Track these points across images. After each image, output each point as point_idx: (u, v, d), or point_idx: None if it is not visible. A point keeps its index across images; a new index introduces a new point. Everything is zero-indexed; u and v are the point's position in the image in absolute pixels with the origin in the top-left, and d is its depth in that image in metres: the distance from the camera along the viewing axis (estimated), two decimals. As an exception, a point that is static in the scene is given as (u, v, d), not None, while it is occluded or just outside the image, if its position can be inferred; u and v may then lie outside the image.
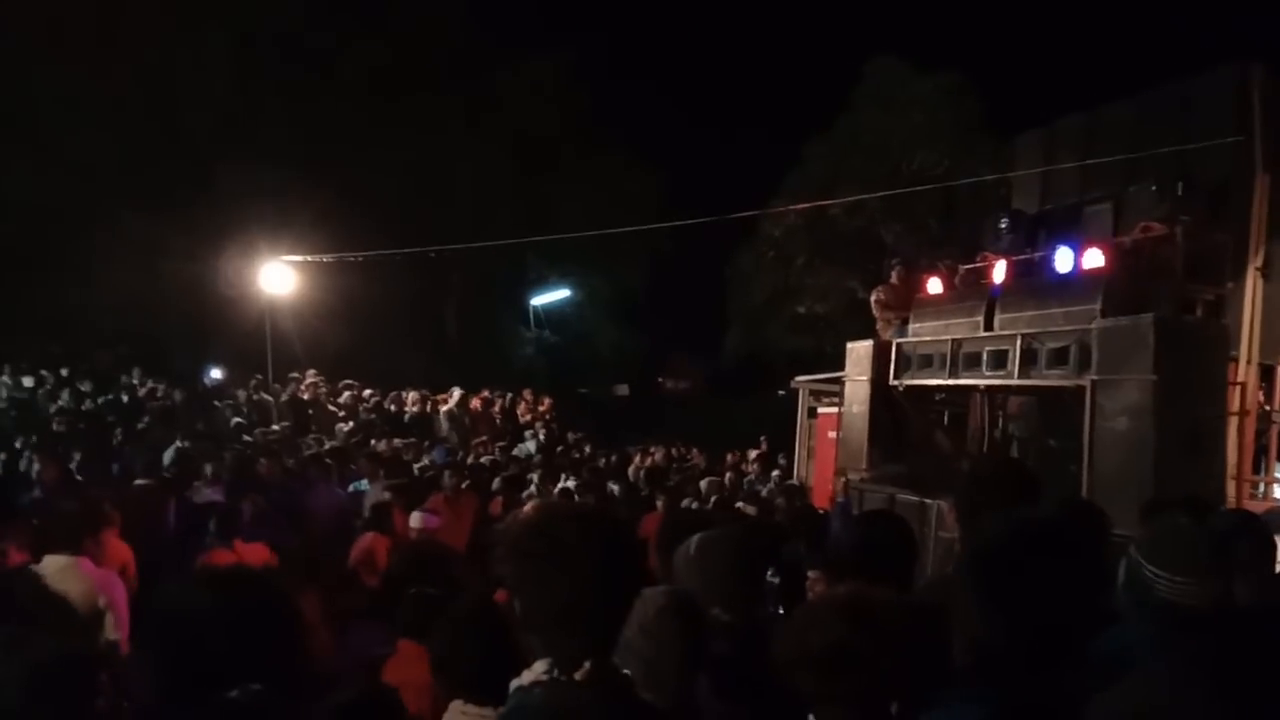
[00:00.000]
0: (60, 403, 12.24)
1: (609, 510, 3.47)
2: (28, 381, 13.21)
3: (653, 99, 25.73)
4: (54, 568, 4.52)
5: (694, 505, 8.51)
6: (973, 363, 7.17)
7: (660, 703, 2.10)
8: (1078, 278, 6.63)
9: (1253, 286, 6.65)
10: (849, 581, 2.93)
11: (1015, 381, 6.78)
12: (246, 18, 19.87)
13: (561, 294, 27.33)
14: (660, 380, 29.61)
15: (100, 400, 12.74)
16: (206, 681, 1.62)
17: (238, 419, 11.56)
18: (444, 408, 13.50)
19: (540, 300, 27.31)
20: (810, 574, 3.50)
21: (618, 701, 1.61)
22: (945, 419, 8.90)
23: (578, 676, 1.58)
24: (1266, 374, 6.84)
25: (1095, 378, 5.96)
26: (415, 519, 6.46)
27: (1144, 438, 5.61)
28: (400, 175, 21.63)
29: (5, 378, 13.33)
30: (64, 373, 14.15)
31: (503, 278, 25.43)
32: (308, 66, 20.75)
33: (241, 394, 13.65)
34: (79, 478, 7.56)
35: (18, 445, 9.43)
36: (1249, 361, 6.57)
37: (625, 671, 1.69)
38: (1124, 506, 5.20)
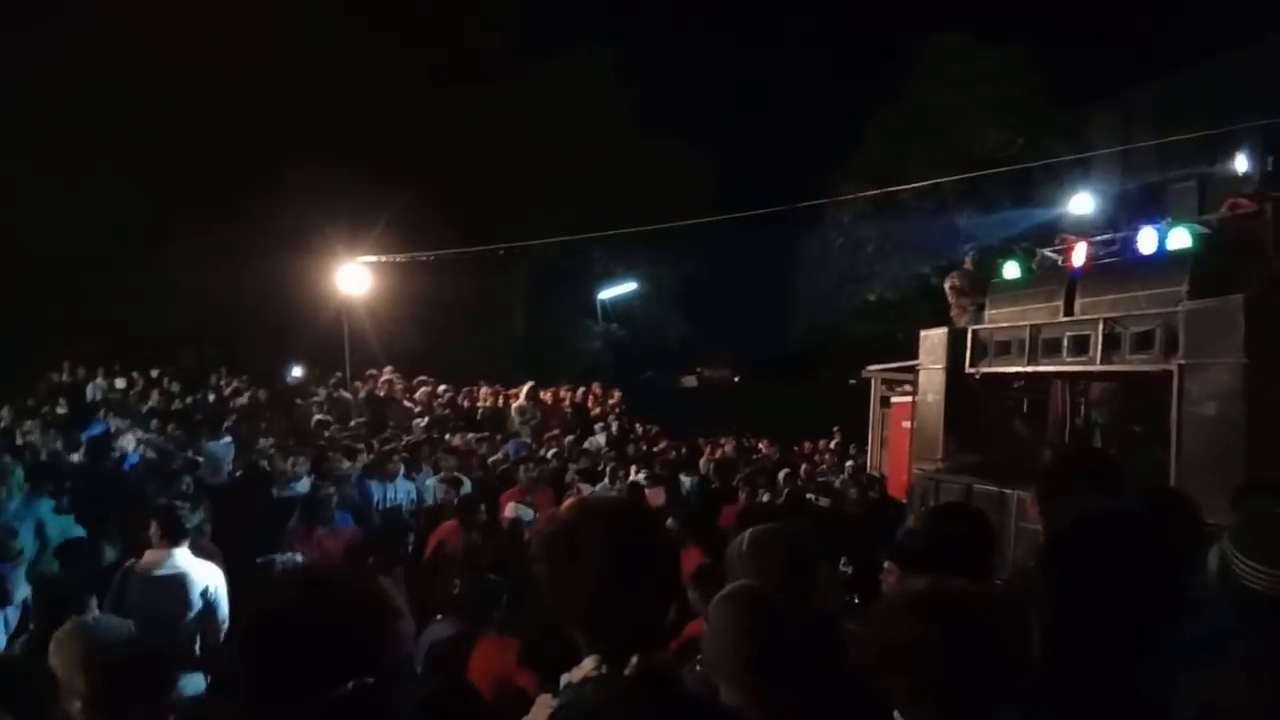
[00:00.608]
0: (151, 403, 12.74)
1: (638, 506, 3.47)
2: (120, 383, 13.79)
3: (710, 85, 25.55)
4: (163, 561, 4.76)
5: (766, 497, 8.48)
6: (1052, 349, 6.98)
7: (733, 698, 2.12)
8: (1163, 258, 6.40)
9: (1351, 262, 6.34)
10: (925, 574, 2.90)
11: (1098, 368, 6.58)
12: (308, 20, 20.30)
13: (628, 287, 27.42)
14: (700, 370, 29.02)
15: (189, 400, 13.24)
16: (302, 681, 1.65)
17: (319, 416, 11.89)
18: (515, 403, 13.67)
19: (608, 294, 27.45)
20: (885, 565, 3.47)
21: (668, 696, 1.61)
22: (1024, 407, 8.68)
23: (626, 672, 1.59)
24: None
25: (1182, 362, 5.76)
26: (513, 509, 6.59)
27: (1234, 423, 5.40)
28: (463, 174, 21.93)
29: (100, 380, 13.95)
30: (154, 374, 14.75)
31: (569, 272, 25.62)
32: (368, 69, 21.12)
33: (321, 392, 14.03)
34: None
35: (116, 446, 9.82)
36: (1347, 341, 6.27)
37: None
38: (1214, 493, 5.04)
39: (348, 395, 13.63)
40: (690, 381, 29.46)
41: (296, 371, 16.62)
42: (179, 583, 4.75)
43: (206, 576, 4.85)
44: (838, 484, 10.51)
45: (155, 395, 13.34)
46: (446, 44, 22.11)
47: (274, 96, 19.85)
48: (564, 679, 1.66)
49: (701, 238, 22.96)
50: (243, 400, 12.92)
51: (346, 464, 8.19)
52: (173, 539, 4.83)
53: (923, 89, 23.13)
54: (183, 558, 4.83)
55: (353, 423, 11.73)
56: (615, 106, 24.44)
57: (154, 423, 11.15)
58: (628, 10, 24.88)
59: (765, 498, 8.38)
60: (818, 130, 25.25)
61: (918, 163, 20.89)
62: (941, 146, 21.80)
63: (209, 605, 4.79)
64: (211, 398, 13.48)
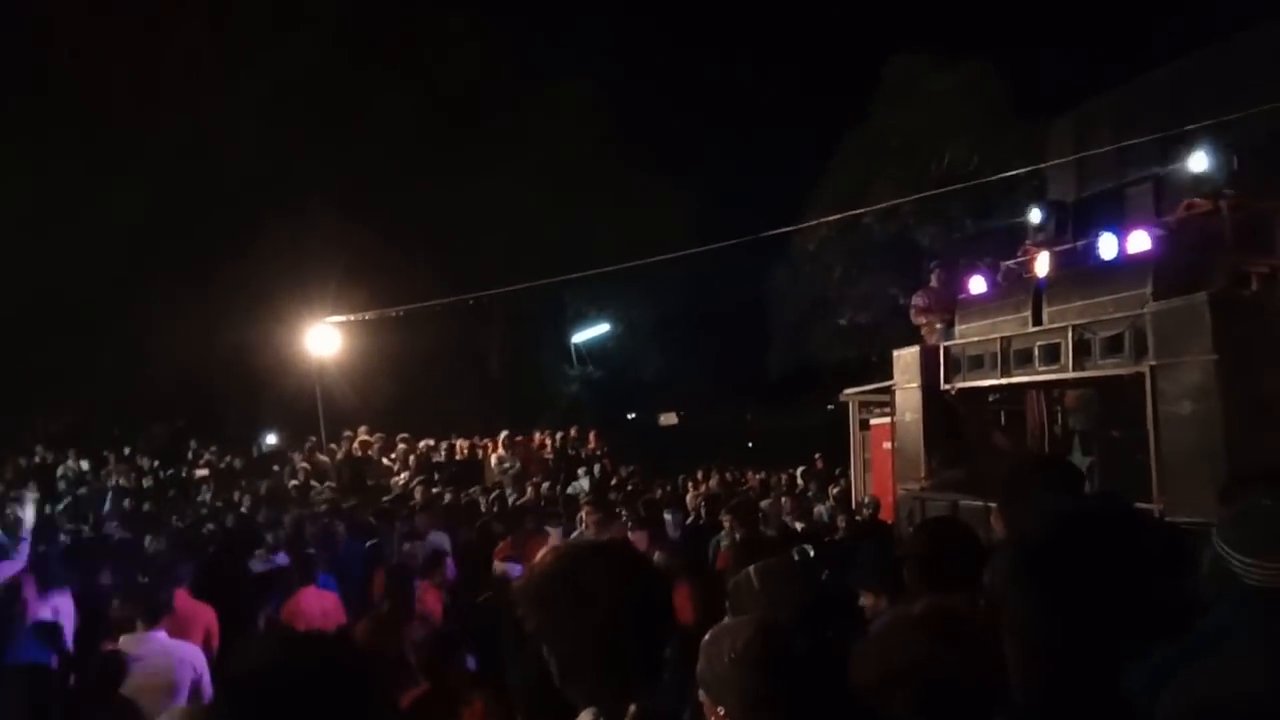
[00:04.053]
0: (120, 481, 12.52)
1: (630, 545, 3.44)
2: (86, 464, 13.56)
3: (674, 121, 25.82)
4: (134, 644, 4.59)
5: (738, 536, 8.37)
6: (1024, 359, 7.02)
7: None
8: (1125, 263, 6.47)
9: (1309, 254, 6.45)
10: (912, 595, 2.86)
11: (1070, 375, 6.62)
12: (272, 81, 20.32)
13: (601, 329, 27.42)
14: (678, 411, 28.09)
15: (162, 475, 13.03)
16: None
17: (295, 482, 11.72)
18: (494, 454, 13.57)
19: (580, 337, 27.42)
20: (863, 591, 3.41)
21: None
22: (1002, 419, 8.71)
23: None
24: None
25: (1154, 363, 5.80)
26: (499, 567, 6.51)
27: (1211, 418, 5.43)
28: (434, 221, 21.93)
29: (71, 461, 13.70)
30: (126, 451, 14.51)
31: (542, 316, 25.59)
32: (332, 117, 21.11)
33: (297, 456, 13.85)
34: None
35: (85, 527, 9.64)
36: (1313, 331, 6.35)
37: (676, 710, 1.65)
38: (1198, 490, 5.05)
39: (324, 458, 13.47)
40: (669, 419, 29.39)
41: (270, 438, 16.41)
42: (164, 668, 4.58)
43: (189, 658, 4.70)
44: (824, 510, 10.46)
45: (126, 473, 13.09)
46: (411, 94, 22.17)
47: (239, 159, 19.78)
48: None
49: (672, 274, 23.06)
50: (203, 472, 12.71)
51: (340, 527, 8.10)
52: (152, 620, 4.68)
53: (881, 112, 23.48)
54: (162, 641, 4.68)
55: (329, 484, 11.58)
56: (582, 147, 24.60)
57: (126, 501, 10.95)
58: (591, 52, 25.17)
59: (738, 536, 8.24)
60: (780, 160, 25.56)
61: (879, 185, 21.14)
62: (901, 167, 22.10)
63: (195, 689, 4.63)
64: (184, 472, 13.26)
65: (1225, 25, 7.88)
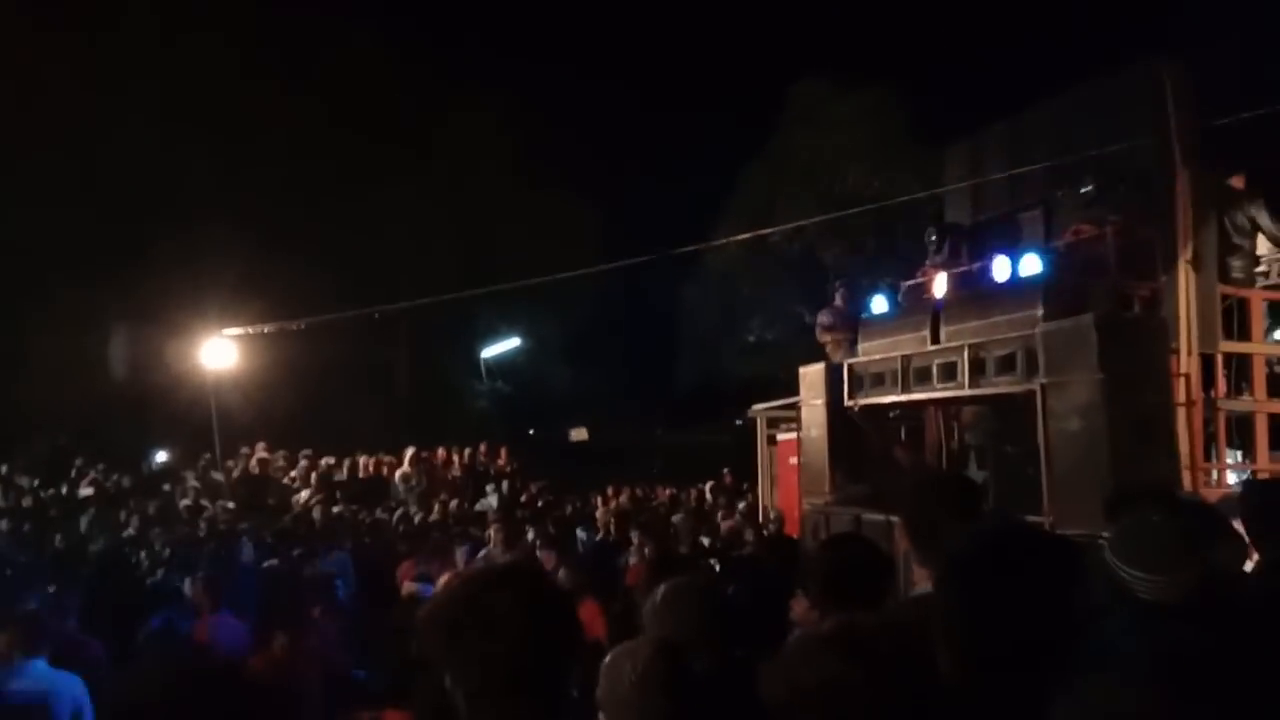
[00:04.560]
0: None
1: (537, 568, 3.44)
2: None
3: (582, 139, 25.89)
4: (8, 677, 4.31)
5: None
6: (923, 377, 7.22)
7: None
8: (1016, 285, 6.74)
9: (1185, 279, 6.82)
10: (829, 609, 2.90)
11: (966, 392, 6.84)
12: (169, 81, 19.61)
13: (511, 344, 27.18)
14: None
15: (43, 495, 12.31)
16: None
17: (186, 501, 11.24)
18: (399, 471, 13.28)
19: (490, 352, 27.13)
20: (795, 595, 3.44)
21: None
22: (903, 434, 8.95)
23: None
24: (1206, 363, 6.99)
25: (1044, 381, 6.03)
26: (409, 587, 6.35)
27: (1097, 435, 5.67)
28: (337, 233, 21.44)
29: (-61, 480, 12.83)
30: (4, 469, 13.65)
31: (450, 331, 25.25)
32: (234, 130, 20.48)
33: (190, 475, 13.28)
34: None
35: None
36: (1190, 352, 6.71)
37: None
38: (1086, 504, 5.26)
39: (219, 476, 12.95)
40: (580, 434, 29.28)
41: (161, 455, 15.71)
42: (41, 703, 4.30)
43: (68, 689, 4.42)
44: (732, 525, 10.56)
45: (4, 492, 12.33)
46: (314, 102, 21.64)
47: (136, 160, 18.94)
48: None
49: (582, 290, 23.04)
50: (88, 491, 12.05)
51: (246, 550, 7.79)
52: (31, 650, 4.40)
53: (787, 134, 24.05)
54: (42, 672, 4.40)
55: (222, 503, 11.14)
56: (489, 163, 24.44)
57: (4, 522, 10.31)
58: (499, 66, 25.05)
59: (646, 551, 8.26)
60: (689, 179, 25.83)
61: (785, 205, 21.61)
62: (806, 188, 22.66)
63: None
64: (65, 490, 12.55)
65: (1108, 60, 8.30)
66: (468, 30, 25.17)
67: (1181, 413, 6.40)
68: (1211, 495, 5.87)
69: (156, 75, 19.49)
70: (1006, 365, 6.39)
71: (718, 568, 7.63)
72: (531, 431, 26.09)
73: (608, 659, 2.21)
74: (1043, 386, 6.04)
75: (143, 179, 19.02)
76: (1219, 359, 7.02)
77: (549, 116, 25.08)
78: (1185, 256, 6.85)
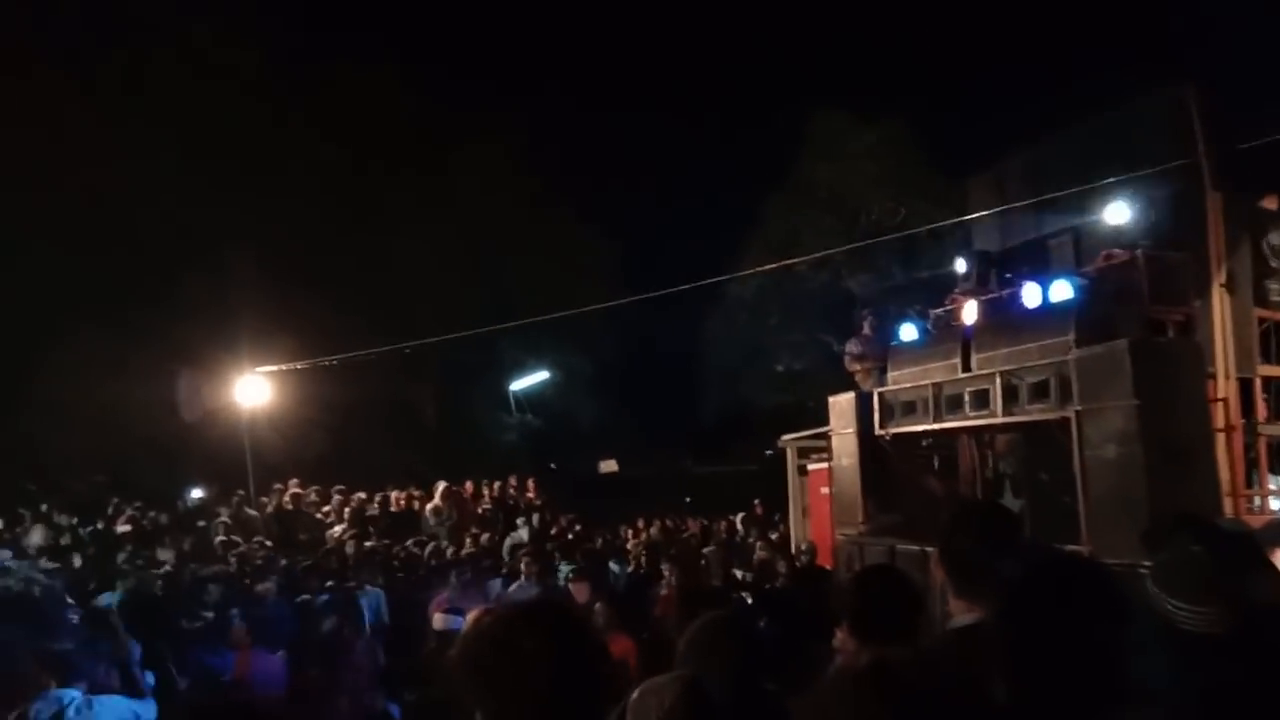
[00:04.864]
0: (36, 540, 11.94)
1: (569, 604, 3.43)
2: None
3: (608, 173, 26.11)
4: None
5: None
6: (955, 405, 7.18)
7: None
8: (1048, 311, 6.69)
9: (1219, 303, 6.76)
10: (862, 643, 2.87)
11: (999, 420, 6.78)
12: (198, 126, 20.02)
13: (539, 377, 27.28)
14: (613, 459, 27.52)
15: (82, 532, 12.45)
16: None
17: (221, 538, 11.32)
18: (430, 505, 13.32)
19: (518, 385, 27.24)
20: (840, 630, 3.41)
21: None
22: (935, 463, 8.87)
23: None
24: (1244, 387, 6.89)
25: (1079, 408, 5.98)
26: (441, 620, 6.34)
27: (1134, 462, 5.60)
28: (365, 272, 21.72)
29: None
30: (44, 508, 13.85)
31: (478, 366, 25.39)
32: (263, 171, 20.85)
33: (224, 511, 13.40)
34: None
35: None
36: (1227, 377, 6.63)
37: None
38: (1122, 533, 5.19)
39: (252, 512, 13.05)
40: (609, 466, 29.25)
41: (196, 493, 15.86)
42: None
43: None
44: (765, 556, 10.47)
45: (40, 531, 12.48)
46: (340, 143, 22.04)
47: (166, 204, 19.31)
48: None
49: (610, 322, 23.12)
50: (125, 528, 12.17)
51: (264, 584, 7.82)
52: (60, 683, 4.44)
53: (813, 165, 24.14)
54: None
55: (258, 539, 11.21)
56: (515, 198, 24.67)
57: (43, 561, 10.43)
58: (523, 103, 25.37)
59: (674, 582, 8.22)
60: (715, 211, 25.93)
61: (811, 235, 21.65)
62: (831, 219, 22.70)
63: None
64: (101, 526, 12.69)
65: (1130, 89, 8.29)
66: (492, 67, 25.54)
67: (1221, 438, 6.31)
68: (1255, 522, 5.76)
69: (185, 121, 19.89)
70: (1040, 392, 6.34)
71: (749, 600, 7.57)
72: (553, 466, 26.08)
73: (634, 695, 2.20)
74: (1077, 413, 5.98)
75: (172, 223, 19.38)
76: (1257, 383, 6.93)
77: (574, 151, 25.36)
78: (1219, 280, 6.79)
